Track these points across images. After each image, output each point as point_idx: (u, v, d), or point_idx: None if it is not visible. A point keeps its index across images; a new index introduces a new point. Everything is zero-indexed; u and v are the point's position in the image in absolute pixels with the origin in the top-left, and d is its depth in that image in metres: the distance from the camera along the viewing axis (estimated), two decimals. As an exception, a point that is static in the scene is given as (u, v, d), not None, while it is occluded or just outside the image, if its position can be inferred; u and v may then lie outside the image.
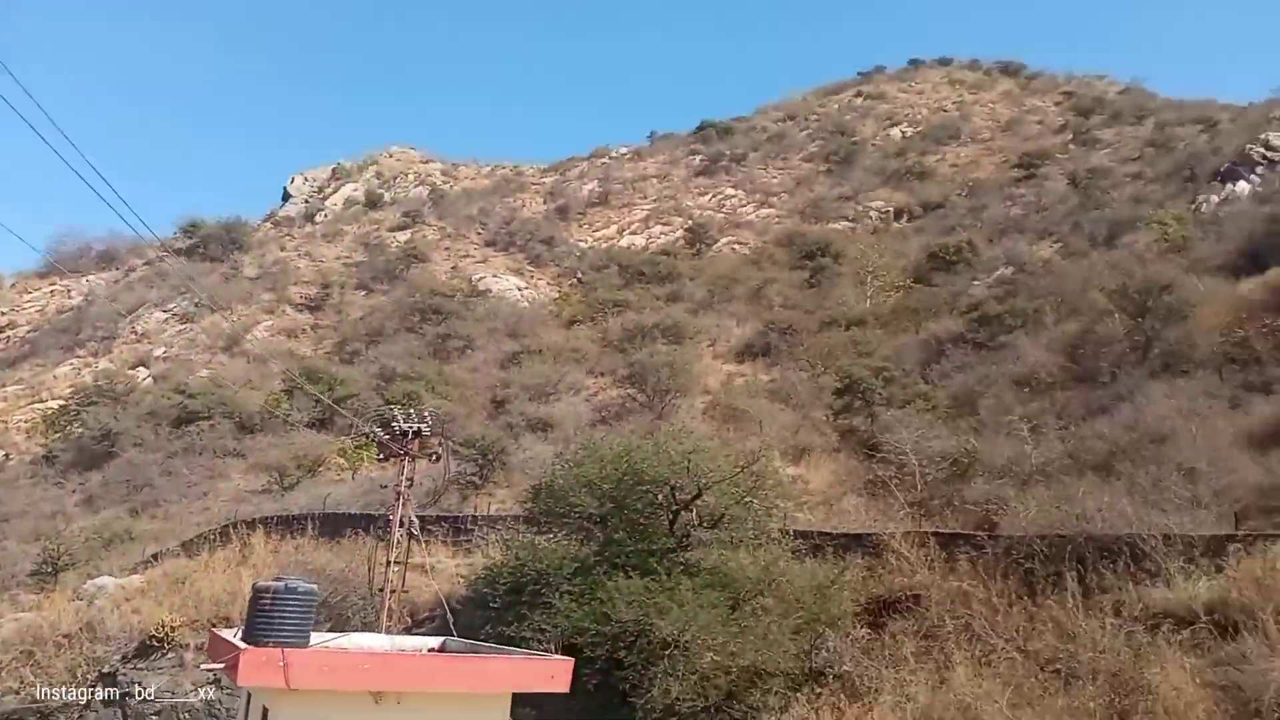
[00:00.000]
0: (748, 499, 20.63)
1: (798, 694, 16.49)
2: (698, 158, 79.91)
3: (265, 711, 10.81)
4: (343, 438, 35.12)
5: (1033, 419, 27.01)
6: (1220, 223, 39.65)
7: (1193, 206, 43.32)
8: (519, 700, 11.63)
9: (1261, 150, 44.12)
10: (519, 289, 59.21)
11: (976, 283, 45.31)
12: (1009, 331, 35.82)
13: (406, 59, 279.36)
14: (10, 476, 39.72)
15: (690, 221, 66.12)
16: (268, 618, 10.88)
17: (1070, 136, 68.02)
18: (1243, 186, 42.52)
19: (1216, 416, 23.03)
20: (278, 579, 12.48)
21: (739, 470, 20.20)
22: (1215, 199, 42.92)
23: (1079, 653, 14.64)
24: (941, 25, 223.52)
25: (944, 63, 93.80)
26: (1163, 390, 25.37)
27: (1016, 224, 52.92)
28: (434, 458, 18.40)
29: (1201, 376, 26.46)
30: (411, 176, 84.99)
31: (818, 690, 16.54)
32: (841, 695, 16.07)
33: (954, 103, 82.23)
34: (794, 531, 21.26)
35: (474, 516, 25.93)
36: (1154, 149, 58.84)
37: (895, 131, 78.78)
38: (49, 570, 27.86)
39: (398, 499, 17.51)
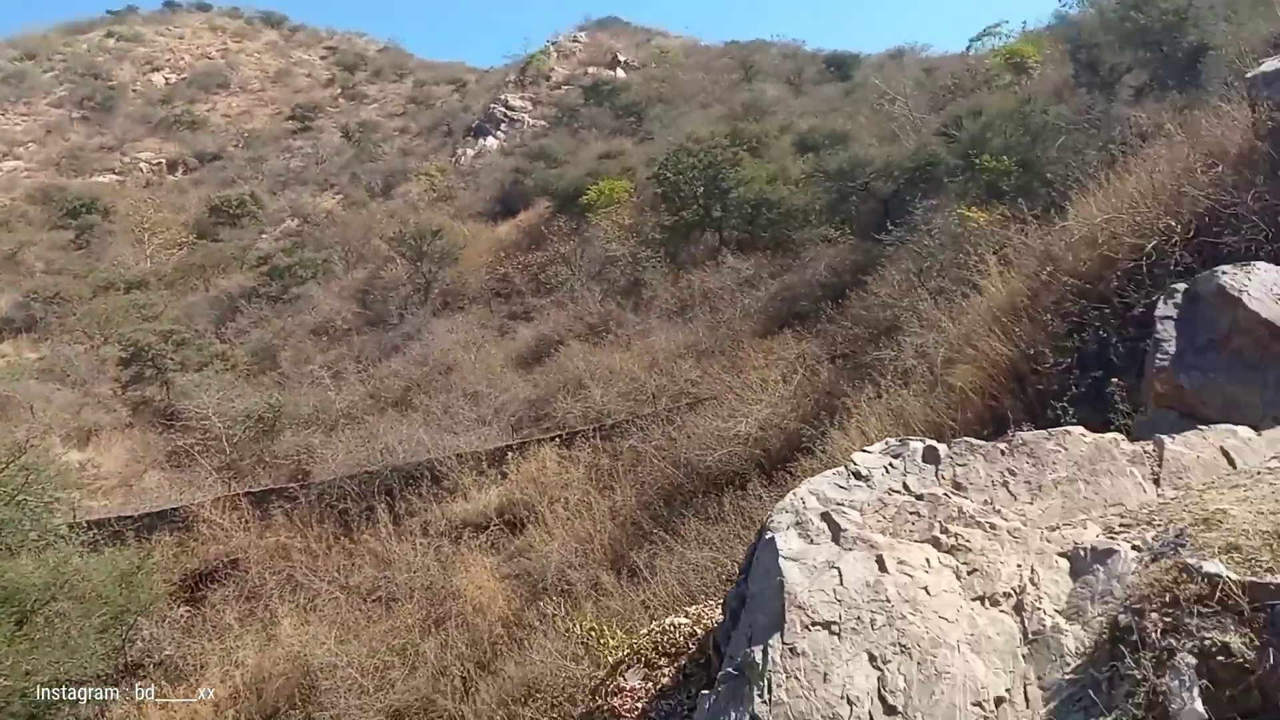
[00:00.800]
0: (21, 498, 17.89)
1: (113, 690, 14.98)
2: (-97, 98, 65.29)
3: None
4: None
5: (333, 365, 27.78)
6: (476, 173, 44.51)
7: (453, 159, 47.88)
8: None
9: (503, 109, 50.24)
10: None
11: (264, 235, 44.77)
12: (301, 283, 36.11)
13: None
14: None
15: (-97, 177, 54.11)
16: None
17: (339, 91, 69.97)
18: (491, 142, 48.10)
19: (490, 344, 26.07)
20: None
21: (3, 467, 17.37)
22: (470, 152, 47.92)
23: (395, 577, 15.59)
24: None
25: (203, 8, 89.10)
26: (445, 326, 27.89)
27: (298, 176, 53.30)
28: None
29: (475, 310, 29.71)
30: None
31: (137, 683, 15.21)
32: (164, 681, 15.01)
33: (219, 50, 78.82)
34: (87, 523, 19.07)
35: None
36: (415, 105, 63.57)
37: (158, 77, 73.06)
38: None
39: None
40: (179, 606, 17.08)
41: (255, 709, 13.78)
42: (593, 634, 9.22)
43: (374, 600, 15.50)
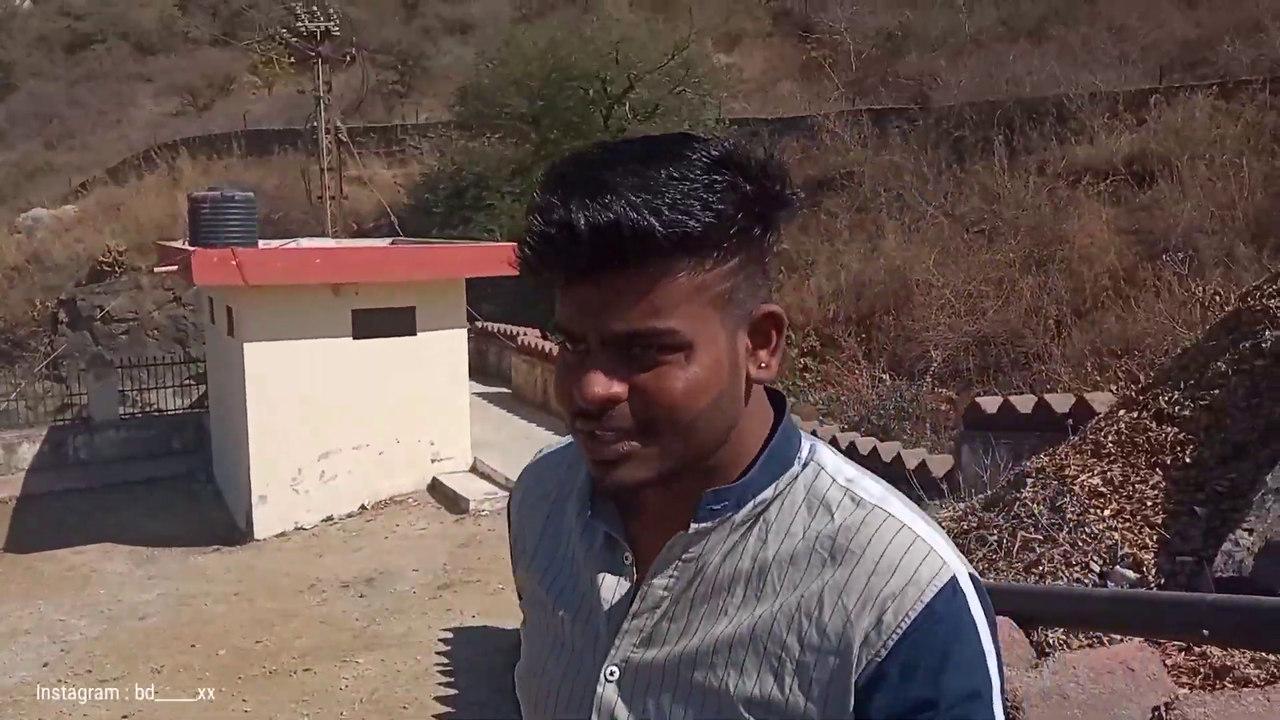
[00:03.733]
0: (680, 89, 20.37)
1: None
2: None
3: (230, 311, 11.22)
4: (250, 49, 32.98)
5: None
6: None
7: None
8: (478, 298, 11.99)
9: None
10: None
11: None
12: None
13: None
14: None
15: None
16: (211, 226, 10.98)
17: None
18: None
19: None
20: (212, 189, 12.40)
21: (669, 59, 19.74)
22: None
23: (1003, 211, 15.40)
24: None
25: None
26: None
27: None
28: (348, 59, 17.65)
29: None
30: None
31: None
32: (781, 269, 16.98)
33: None
34: (729, 120, 21.25)
35: (403, 125, 25.34)
36: None
37: None
38: (-25, 207, 27.18)
39: (318, 104, 16.96)
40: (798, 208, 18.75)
41: (853, 308, 15.15)
42: (1216, 300, 8.50)
43: (977, 231, 15.59)
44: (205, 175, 21.33)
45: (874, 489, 0.95)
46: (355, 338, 11.13)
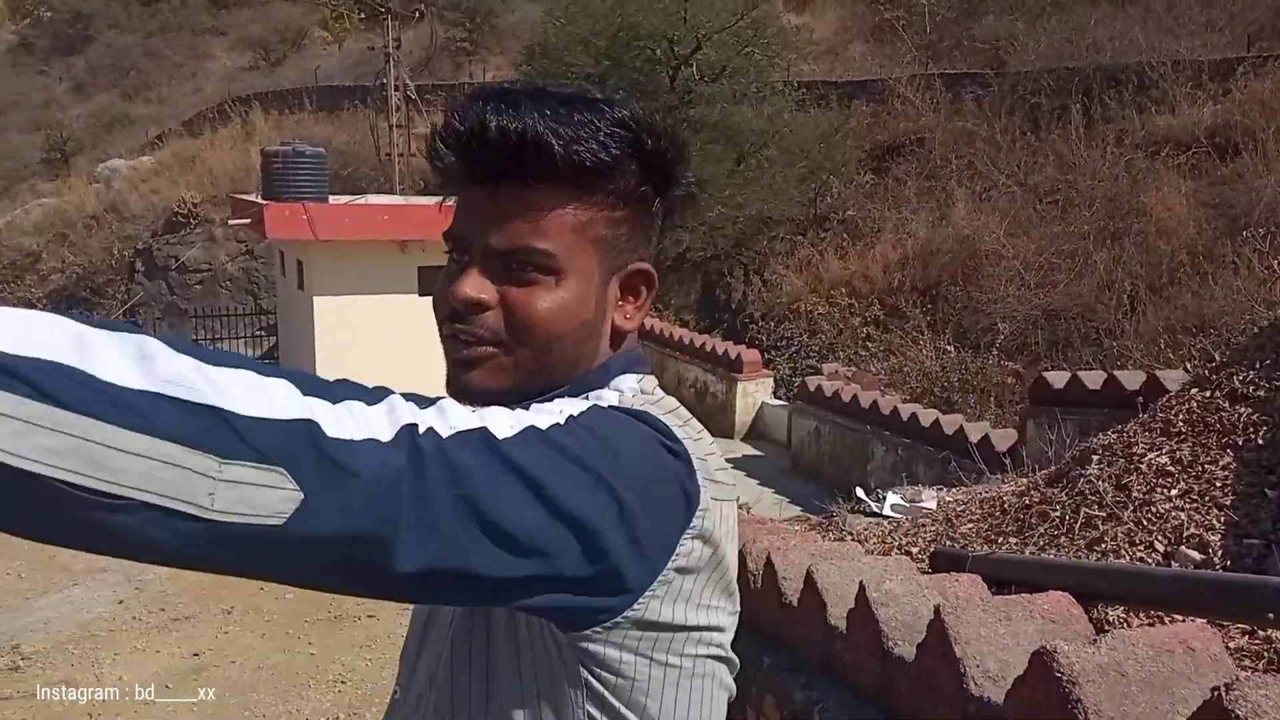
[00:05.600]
0: (748, 50, 20.09)
1: (803, 237, 17.24)
2: None
3: (300, 265, 11.46)
4: (321, 3, 33.26)
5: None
6: None
7: None
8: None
9: None
10: None
11: None
12: None
13: None
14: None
15: None
16: (283, 180, 11.18)
17: None
18: None
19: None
20: (284, 144, 12.61)
21: (738, 19, 19.46)
22: None
23: (1078, 181, 15.02)
24: None
25: None
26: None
27: None
28: (417, 16, 17.72)
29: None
30: None
31: (822, 234, 17.27)
32: (845, 236, 16.79)
33: None
34: (798, 82, 20.95)
35: (471, 83, 25.38)
36: None
37: None
38: (58, 157, 28.02)
39: (387, 60, 17.11)
40: (865, 173, 18.49)
41: (919, 277, 14.94)
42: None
43: (1050, 201, 15.24)
44: (277, 130, 21.66)
45: (635, 402, 0.98)
46: (421, 295, 11.29)
